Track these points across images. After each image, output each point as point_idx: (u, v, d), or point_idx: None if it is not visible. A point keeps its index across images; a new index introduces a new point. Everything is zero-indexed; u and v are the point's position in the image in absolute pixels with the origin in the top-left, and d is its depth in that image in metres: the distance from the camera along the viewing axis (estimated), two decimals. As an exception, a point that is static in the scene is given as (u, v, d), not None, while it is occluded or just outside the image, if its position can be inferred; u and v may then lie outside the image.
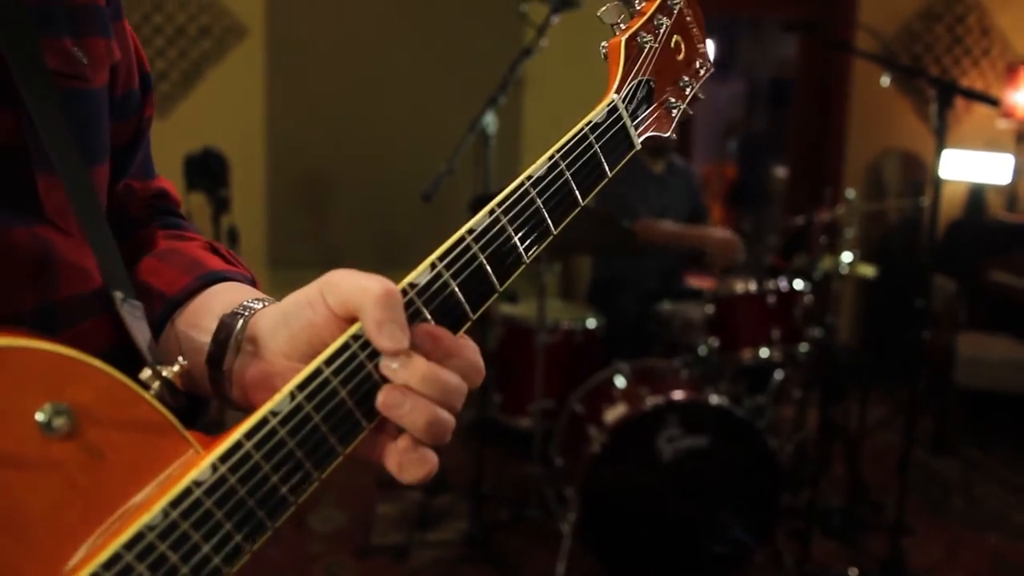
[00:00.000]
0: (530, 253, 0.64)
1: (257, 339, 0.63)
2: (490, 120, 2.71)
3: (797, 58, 5.51)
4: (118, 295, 0.62)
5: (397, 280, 0.60)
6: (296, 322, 0.61)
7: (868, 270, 3.24)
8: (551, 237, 0.66)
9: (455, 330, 0.61)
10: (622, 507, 2.73)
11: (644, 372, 2.97)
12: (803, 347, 3.06)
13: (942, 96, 2.60)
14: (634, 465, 2.71)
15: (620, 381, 2.93)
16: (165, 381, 0.57)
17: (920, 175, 4.91)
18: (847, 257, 3.07)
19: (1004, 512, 3.43)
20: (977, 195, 4.90)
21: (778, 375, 3.29)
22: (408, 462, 0.59)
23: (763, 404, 3.19)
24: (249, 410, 0.58)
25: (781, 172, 6.87)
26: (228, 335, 0.64)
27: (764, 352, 3.03)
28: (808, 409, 3.41)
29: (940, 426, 4.00)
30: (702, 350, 3.15)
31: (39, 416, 0.49)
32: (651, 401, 2.68)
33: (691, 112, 0.79)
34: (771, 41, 7.41)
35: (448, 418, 0.58)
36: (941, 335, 3.90)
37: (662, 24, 0.76)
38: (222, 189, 3.25)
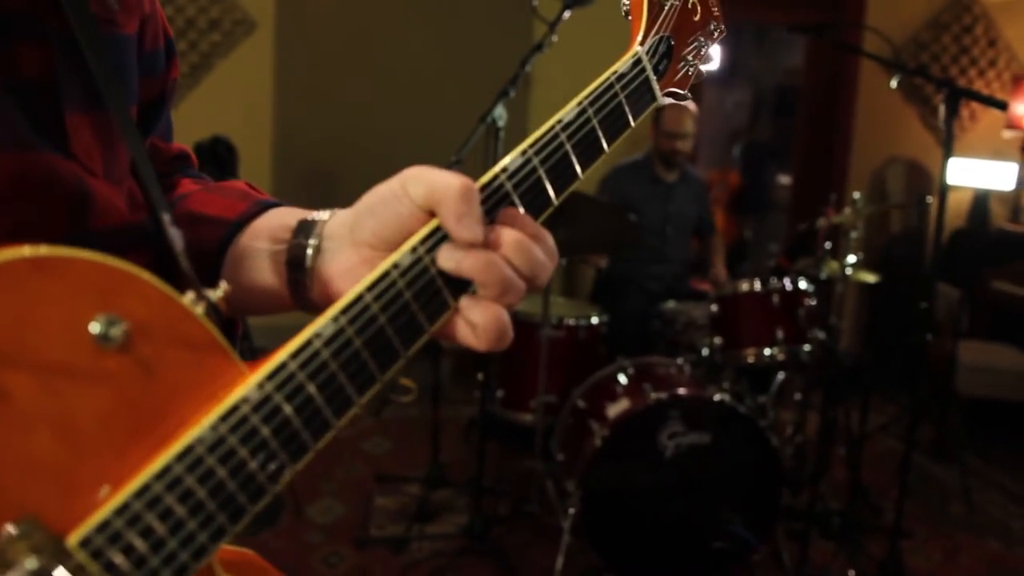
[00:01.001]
0: (559, 197, 0.66)
1: (337, 235, 0.65)
2: (500, 113, 2.71)
3: (803, 66, 5.53)
4: (166, 216, 0.63)
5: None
6: (383, 211, 0.63)
7: (870, 276, 3.25)
8: (576, 181, 0.67)
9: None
10: (623, 502, 2.73)
11: (647, 369, 2.98)
12: (806, 348, 3.06)
13: (949, 99, 2.61)
14: (635, 460, 2.71)
15: (623, 377, 2.93)
16: (210, 303, 0.58)
17: (925, 184, 4.92)
18: (851, 259, 3.08)
19: (1003, 519, 3.43)
20: (981, 204, 4.91)
21: (780, 376, 3.29)
22: (479, 316, 0.61)
23: (765, 404, 3.19)
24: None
25: (785, 180, 6.89)
26: (308, 234, 0.66)
27: (767, 352, 3.04)
28: (809, 411, 3.42)
29: (941, 432, 4.00)
30: (705, 350, 3.15)
31: (93, 327, 0.50)
32: (654, 396, 2.68)
33: (703, 75, 0.81)
34: (777, 50, 7.44)
35: (523, 286, 0.61)
36: (943, 343, 3.90)
37: None
38: (231, 176, 3.25)
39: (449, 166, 2.65)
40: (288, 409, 0.55)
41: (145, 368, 0.52)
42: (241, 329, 0.79)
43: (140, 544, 0.50)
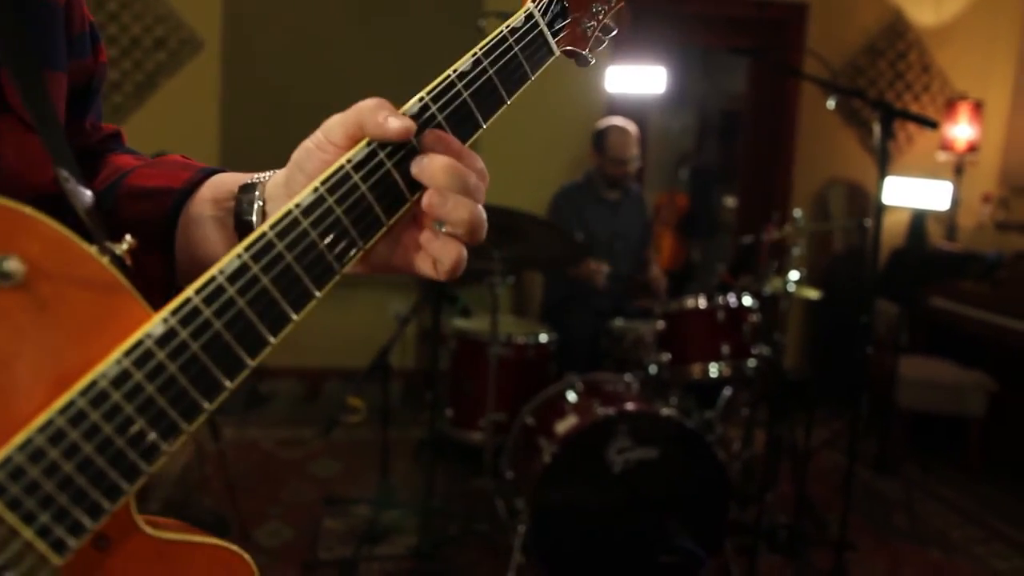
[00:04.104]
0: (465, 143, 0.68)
1: (276, 195, 0.68)
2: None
3: (746, 91, 5.65)
4: (62, 172, 0.62)
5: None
6: (310, 163, 0.65)
7: (813, 293, 3.32)
8: (479, 130, 0.69)
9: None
10: (572, 519, 2.73)
11: (596, 385, 2.99)
12: (751, 364, 3.11)
13: (884, 118, 2.69)
14: (585, 476, 2.71)
15: (572, 394, 2.94)
16: (114, 256, 0.57)
17: (865, 204, 5.05)
18: (794, 275, 3.14)
19: (944, 529, 3.51)
20: (918, 224, 5.05)
21: (727, 392, 3.33)
22: (442, 252, 0.65)
23: (712, 419, 3.23)
24: None
25: (731, 202, 7.01)
26: (250, 200, 0.69)
27: (713, 368, 3.08)
28: (756, 426, 3.46)
29: (883, 446, 4.08)
30: (652, 367, 3.18)
31: None
32: (602, 412, 2.70)
33: (604, 39, 0.83)
34: (721, 75, 7.59)
35: (481, 211, 0.64)
36: (883, 358, 3.99)
37: None
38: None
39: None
40: (195, 345, 0.54)
41: (44, 307, 0.51)
42: None
43: (45, 482, 0.49)
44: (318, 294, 0.60)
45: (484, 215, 0.65)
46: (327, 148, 0.64)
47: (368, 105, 0.63)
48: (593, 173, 3.97)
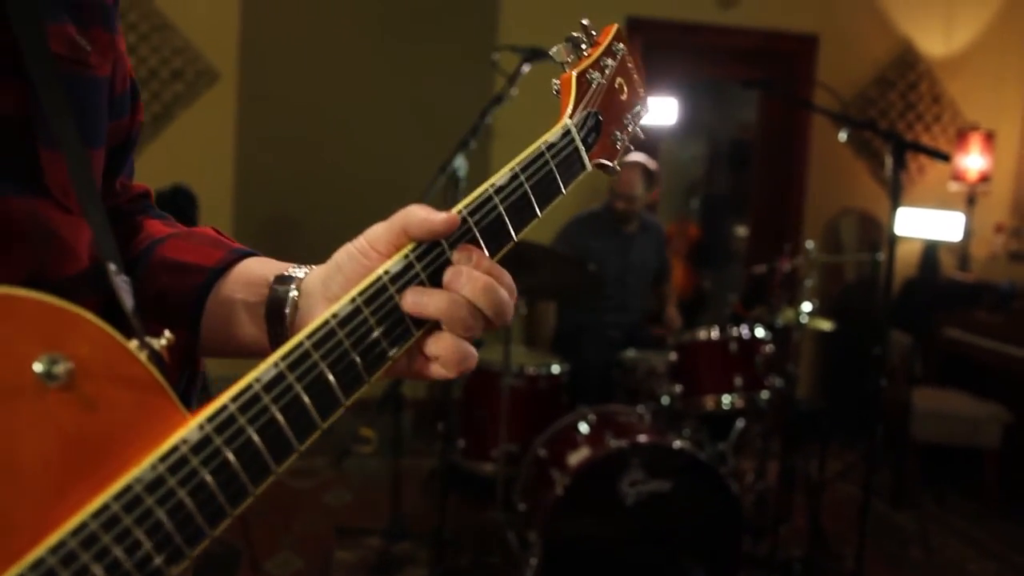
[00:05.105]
0: (495, 257, 0.69)
1: (312, 292, 0.69)
2: (461, 164, 2.75)
3: (757, 121, 5.68)
4: (111, 267, 0.63)
5: None
6: (349, 267, 0.66)
7: (825, 324, 3.32)
8: (511, 244, 0.70)
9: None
10: (585, 551, 2.71)
11: (608, 417, 2.99)
12: (764, 395, 3.10)
13: (896, 150, 2.70)
14: (597, 509, 2.70)
15: (584, 426, 2.93)
16: (153, 352, 0.58)
17: (877, 234, 5.05)
18: (807, 307, 3.14)
19: (960, 563, 3.47)
20: (931, 254, 5.04)
21: (739, 423, 3.32)
22: (452, 358, 0.65)
23: (725, 451, 3.21)
24: None
25: (742, 231, 7.02)
26: (285, 293, 0.70)
27: (726, 399, 3.07)
28: (769, 458, 3.44)
29: (898, 479, 4.05)
30: (665, 398, 3.17)
31: (37, 366, 0.50)
32: (615, 444, 2.69)
33: (632, 149, 0.87)
34: (731, 105, 7.62)
35: (482, 325, 0.65)
36: (897, 389, 3.97)
37: (608, 66, 0.83)
38: (191, 226, 3.24)
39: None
40: (228, 453, 0.55)
41: (88, 407, 0.52)
42: (201, 381, 0.79)
43: None
44: (346, 402, 0.61)
45: (481, 322, 0.65)
46: (369, 255, 0.65)
47: (411, 209, 0.64)
48: (608, 202, 3.96)
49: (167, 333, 0.60)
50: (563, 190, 0.74)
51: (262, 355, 0.71)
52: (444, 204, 3.04)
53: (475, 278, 0.64)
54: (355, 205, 4.48)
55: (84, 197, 0.64)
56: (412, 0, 4.62)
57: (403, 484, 3.31)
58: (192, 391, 0.77)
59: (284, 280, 0.71)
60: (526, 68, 2.84)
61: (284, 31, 4.55)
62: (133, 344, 0.57)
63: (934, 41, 5.18)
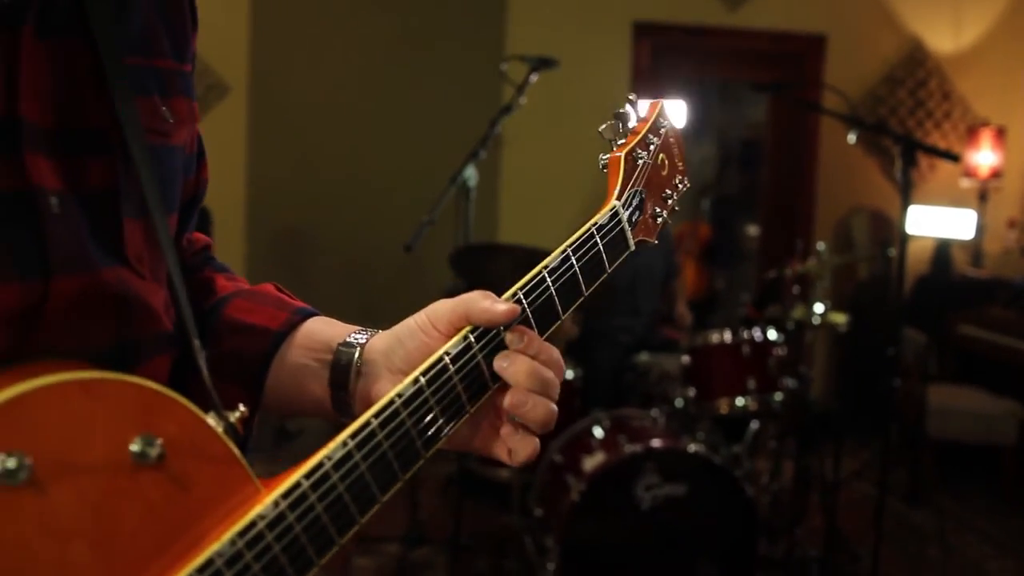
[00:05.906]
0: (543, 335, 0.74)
1: (374, 361, 0.73)
2: (471, 174, 2.78)
3: (767, 120, 5.67)
4: (197, 343, 0.66)
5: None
6: (411, 342, 0.71)
7: (840, 318, 3.31)
8: (559, 323, 0.74)
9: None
10: (601, 556, 2.73)
11: (622, 421, 3.00)
12: (778, 396, 3.11)
13: (905, 152, 2.71)
14: (613, 514, 2.72)
15: (598, 431, 2.95)
16: (228, 424, 0.61)
17: (889, 232, 5.04)
18: (819, 307, 3.14)
19: (979, 562, 3.46)
20: (943, 251, 5.03)
21: (754, 425, 3.33)
22: (519, 446, 0.70)
23: (739, 453, 3.22)
24: None
25: (753, 231, 7.01)
26: (349, 360, 0.74)
27: (740, 401, 3.08)
28: (784, 459, 3.44)
29: (914, 477, 4.04)
30: (678, 401, 3.18)
31: (133, 446, 0.53)
32: (629, 449, 2.70)
33: (669, 223, 0.89)
34: (741, 105, 7.62)
35: (554, 408, 0.70)
36: (912, 387, 3.96)
37: (652, 143, 0.86)
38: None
39: (422, 226, 2.70)
40: (299, 529, 0.59)
41: (175, 483, 0.56)
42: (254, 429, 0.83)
43: None
44: (403, 478, 0.65)
45: (556, 412, 0.70)
46: (431, 333, 0.70)
47: (475, 297, 0.68)
48: None
49: (241, 407, 0.64)
50: (608, 269, 0.78)
51: (323, 416, 0.77)
52: (455, 214, 3.07)
53: (530, 368, 0.69)
54: (366, 217, 4.52)
55: (172, 265, 0.67)
56: (420, 12, 4.65)
57: (420, 490, 3.33)
58: (248, 440, 0.79)
59: (348, 346, 0.74)
60: (534, 78, 2.86)
61: (293, 44, 4.59)
62: (211, 418, 0.60)
63: (943, 38, 5.17)
